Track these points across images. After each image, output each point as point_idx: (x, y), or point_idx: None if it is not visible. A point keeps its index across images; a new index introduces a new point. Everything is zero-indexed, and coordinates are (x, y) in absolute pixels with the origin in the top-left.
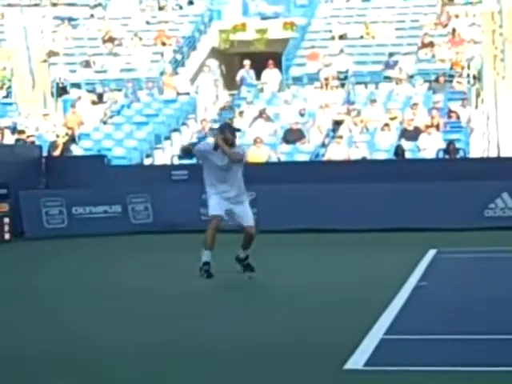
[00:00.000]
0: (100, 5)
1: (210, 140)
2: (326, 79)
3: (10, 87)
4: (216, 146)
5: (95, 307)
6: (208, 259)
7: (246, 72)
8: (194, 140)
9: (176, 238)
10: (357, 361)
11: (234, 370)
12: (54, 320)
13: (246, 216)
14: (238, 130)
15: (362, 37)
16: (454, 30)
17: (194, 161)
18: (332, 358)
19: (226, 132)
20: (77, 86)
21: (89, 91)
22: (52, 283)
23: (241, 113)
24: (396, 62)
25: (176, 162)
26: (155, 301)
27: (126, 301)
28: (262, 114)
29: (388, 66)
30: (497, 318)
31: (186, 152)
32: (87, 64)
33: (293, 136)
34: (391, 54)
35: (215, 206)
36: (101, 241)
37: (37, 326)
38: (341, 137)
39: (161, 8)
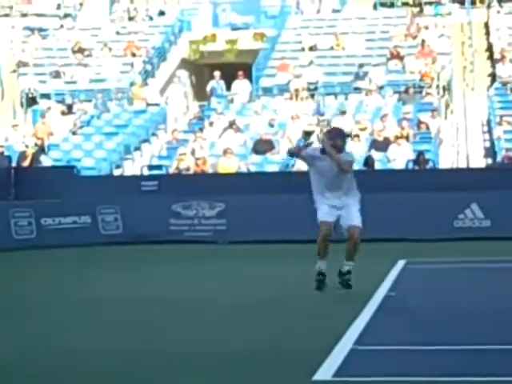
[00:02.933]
0: (70, 15)
1: (317, 145)
2: (296, 90)
3: None
4: (323, 151)
5: (60, 319)
6: (320, 268)
7: (216, 83)
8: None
9: (146, 249)
10: (326, 371)
11: (205, 378)
12: (19, 331)
13: (350, 216)
14: (349, 136)
15: (332, 48)
16: (423, 42)
17: (163, 171)
18: (301, 368)
19: (335, 138)
20: (46, 96)
21: (58, 102)
22: (19, 294)
23: (211, 123)
24: (366, 73)
25: (146, 172)
26: (121, 311)
27: (90, 312)
28: (231, 124)
29: (358, 77)
30: (466, 329)
31: (308, 135)
32: (57, 75)
33: (263, 147)
34: (361, 65)
35: (324, 212)
36: (70, 252)
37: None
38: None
39: (131, 18)
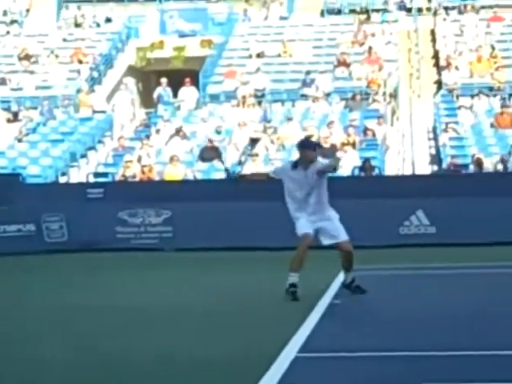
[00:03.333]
0: (16, 22)
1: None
2: (243, 97)
3: None
4: (295, 165)
5: (5, 329)
6: (294, 281)
7: (162, 90)
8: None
9: (91, 256)
10: (270, 379)
11: None
12: None
13: (338, 231)
14: (318, 145)
15: (279, 55)
16: (370, 49)
17: (109, 179)
18: (245, 376)
19: (306, 150)
20: None
21: (4, 109)
22: None
23: (157, 131)
24: (313, 80)
25: (92, 180)
26: (68, 320)
27: (40, 320)
28: (178, 131)
29: (305, 84)
30: (411, 335)
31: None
32: (3, 81)
33: (209, 154)
34: (308, 72)
35: (304, 224)
36: (14, 260)
37: None
38: (257, 154)
39: (78, 25)
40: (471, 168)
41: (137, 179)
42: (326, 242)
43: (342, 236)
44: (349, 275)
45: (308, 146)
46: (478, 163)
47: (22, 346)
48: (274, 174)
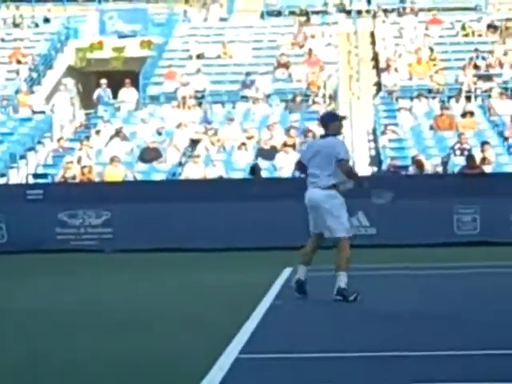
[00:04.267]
0: None
1: None
2: (184, 98)
3: None
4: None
5: None
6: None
7: (102, 91)
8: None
9: (31, 258)
10: (211, 380)
11: None
12: None
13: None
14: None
15: (219, 56)
16: (310, 51)
17: (49, 180)
18: (186, 377)
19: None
20: None
21: None
22: None
23: (97, 131)
24: (253, 82)
25: (31, 181)
26: (12, 323)
27: None
28: (118, 132)
29: (245, 85)
30: (354, 336)
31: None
32: None
33: (149, 155)
34: (248, 74)
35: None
36: None
37: None
38: (198, 156)
39: (16, 25)
40: (411, 169)
41: (77, 180)
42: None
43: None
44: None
45: (330, 120)
46: (419, 164)
47: None
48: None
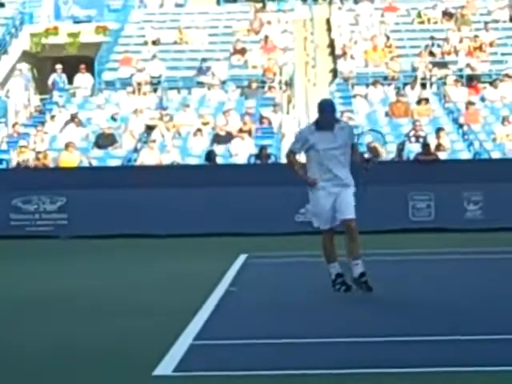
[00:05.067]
0: None
1: None
2: (139, 84)
3: None
4: (317, 126)
5: None
6: (338, 271)
7: (57, 76)
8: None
9: None
10: (166, 367)
11: (48, 375)
12: None
13: (347, 206)
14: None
15: (175, 42)
16: (266, 37)
17: (3, 166)
18: (141, 364)
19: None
20: None
21: None
22: None
23: (52, 117)
24: (209, 68)
25: None
26: None
27: None
28: (73, 118)
29: (201, 71)
30: (308, 322)
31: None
32: None
33: (105, 141)
34: (204, 60)
35: (321, 218)
36: None
37: None
38: (153, 141)
39: None
40: (366, 156)
41: (31, 165)
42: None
43: (348, 213)
44: (354, 263)
45: (327, 110)
46: (375, 151)
47: None
48: (297, 149)
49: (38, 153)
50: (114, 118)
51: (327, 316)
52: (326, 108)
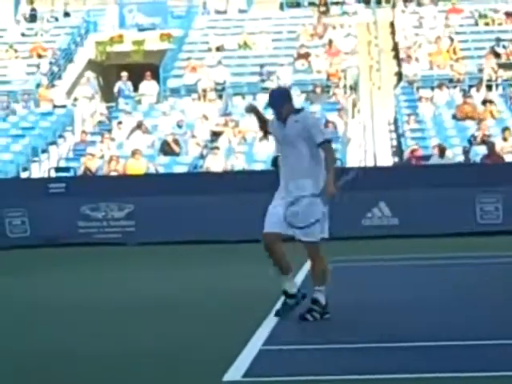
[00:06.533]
0: None
1: None
2: (204, 91)
3: None
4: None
5: None
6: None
7: (123, 84)
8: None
9: (54, 252)
10: (236, 372)
11: (115, 379)
12: None
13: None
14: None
15: (239, 48)
16: (330, 41)
17: (71, 173)
18: (211, 370)
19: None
20: None
21: None
22: None
23: (119, 124)
24: (270, 73)
25: (53, 174)
26: (33, 314)
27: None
28: (139, 125)
29: (261, 76)
30: (377, 326)
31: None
32: None
33: (171, 148)
34: (263, 66)
35: (268, 219)
36: None
37: None
38: (218, 148)
39: (36, 19)
40: (433, 158)
41: (99, 173)
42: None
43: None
44: (316, 288)
45: (272, 100)
46: (441, 149)
47: None
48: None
49: (109, 160)
50: (179, 125)
51: (400, 320)
52: (271, 99)
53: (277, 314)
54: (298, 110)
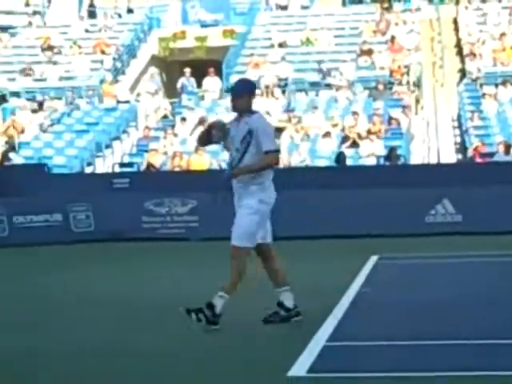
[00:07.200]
0: (38, 13)
1: None
2: (267, 87)
3: None
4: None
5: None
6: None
7: (186, 80)
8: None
9: (118, 246)
10: (300, 368)
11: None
12: None
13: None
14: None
15: (301, 44)
16: (393, 38)
17: (135, 169)
18: (276, 365)
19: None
20: (16, 94)
21: (28, 99)
22: None
23: (182, 120)
24: (336, 70)
25: (117, 170)
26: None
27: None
28: (203, 121)
29: (328, 73)
30: (440, 323)
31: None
32: (26, 72)
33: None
34: (330, 62)
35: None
36: (42, 250)
37: None
38: (280, 144)
39: (98, 16)
40: (498, 155)
41: (163, 169)
42: None
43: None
44: (279, 292)
45: (237, 93)
46: (506, 146)
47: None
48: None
49: (173, 156)
50: None
51: (462, 317)
52: (234, 85)
53: (264, 321)
54: (253, 113)
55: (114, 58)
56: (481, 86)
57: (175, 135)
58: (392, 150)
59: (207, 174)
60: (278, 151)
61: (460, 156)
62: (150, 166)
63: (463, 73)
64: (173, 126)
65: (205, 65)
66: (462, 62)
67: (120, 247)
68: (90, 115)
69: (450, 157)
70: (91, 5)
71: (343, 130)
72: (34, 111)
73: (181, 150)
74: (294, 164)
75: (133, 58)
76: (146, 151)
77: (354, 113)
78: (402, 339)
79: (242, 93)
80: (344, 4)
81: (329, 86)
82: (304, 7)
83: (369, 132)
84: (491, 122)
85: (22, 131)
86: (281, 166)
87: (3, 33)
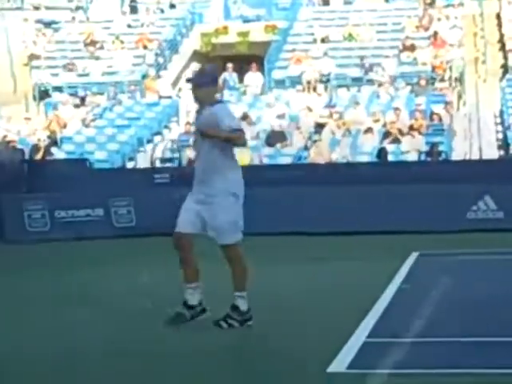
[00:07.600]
0: (81, 8)
1: None
2: (309, 82)
3: None
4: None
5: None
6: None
7: (228, 75)
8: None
9: (160, 240)
10: (340, 364)
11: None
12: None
13: (219, 227)
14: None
15: (344, 40)
16: (435, 33)
17: (176, 164)
18: (316, 361)
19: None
20: (59, 89)
21: (71, 94)
22: (33, 287)
23: None
24: (378, 65)
25: (158, 165)
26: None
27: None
28: (245, 117)
29: (370, 68)
30: (480, 321)
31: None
32: (69, 67)
33: (275, 139)
34: (372, 57)
35: (181, 217)
36: (83, 244)
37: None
38: (320, 140)
39: (140, 11)
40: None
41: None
42: (210, 233)
43: (222, 237)
44: (236, 295)
45: (196, 82)
46: None
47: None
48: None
49: None
50: (282, 117)
51: (503, 315)
52: (194, 73)
53: (169, 322)
54: (218, 102)
55: (157, 54)
56: None
57: None
58: (433, 145)
59: (247, 168)
60: (240, 130)
61: (502, 152)
62: (191, 161)
63: (506, 68)
64: None
65: (247, 60)
66: (505, 57)
67: (161, 242)
68: (131, 110)
69: (492, 153)
70: (133, 0)
71: (385, 125)
72: (76, 106)
73: None
74: (335, 160)
75: (175, 53)
76: (187, 147)
77: (396, 108)
78: (443, 336)
79: (203, 83)
80: (387, 0)
81: (371, 81)
82: (347, 2)
83: (410, 128)
84: None
85: (64, 126)
86: (322, 161)
87: (46, 28)
